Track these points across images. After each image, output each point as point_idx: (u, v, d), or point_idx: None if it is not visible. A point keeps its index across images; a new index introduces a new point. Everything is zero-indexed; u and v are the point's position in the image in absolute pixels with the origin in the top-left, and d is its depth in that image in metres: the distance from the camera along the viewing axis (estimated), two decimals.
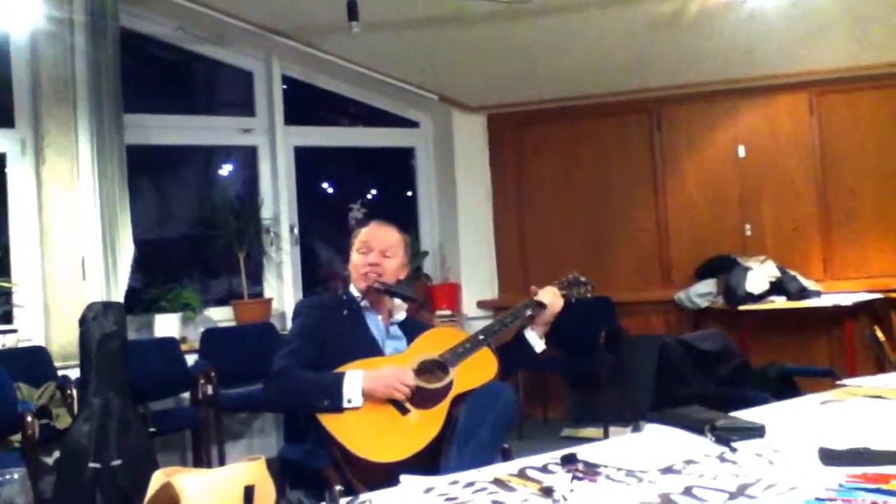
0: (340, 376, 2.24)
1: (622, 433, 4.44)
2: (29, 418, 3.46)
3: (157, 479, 1.38)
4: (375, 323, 2.57)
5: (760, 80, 5.27)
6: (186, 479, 1.35)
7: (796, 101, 5.28)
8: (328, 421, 2.19)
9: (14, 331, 4.31)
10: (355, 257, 2.59)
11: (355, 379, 2.23)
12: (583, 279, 2.68)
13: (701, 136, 5.51)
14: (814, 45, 4.88)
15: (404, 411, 2.23)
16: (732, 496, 1.49)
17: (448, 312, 5.56)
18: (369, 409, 2.22)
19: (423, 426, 2.21)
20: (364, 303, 2.56)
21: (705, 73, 5.25)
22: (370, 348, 2.46)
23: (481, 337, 2.43)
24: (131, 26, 4.79)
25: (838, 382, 2.59)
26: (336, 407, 2.19)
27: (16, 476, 1.28)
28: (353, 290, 2.60)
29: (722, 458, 1.75)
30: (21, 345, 4.25)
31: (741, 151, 5.38)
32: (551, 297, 2.53)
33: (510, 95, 5.70)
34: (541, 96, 5.66)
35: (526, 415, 5.38)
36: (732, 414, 2.07)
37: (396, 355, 2.46)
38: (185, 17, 4.91)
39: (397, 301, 2.62)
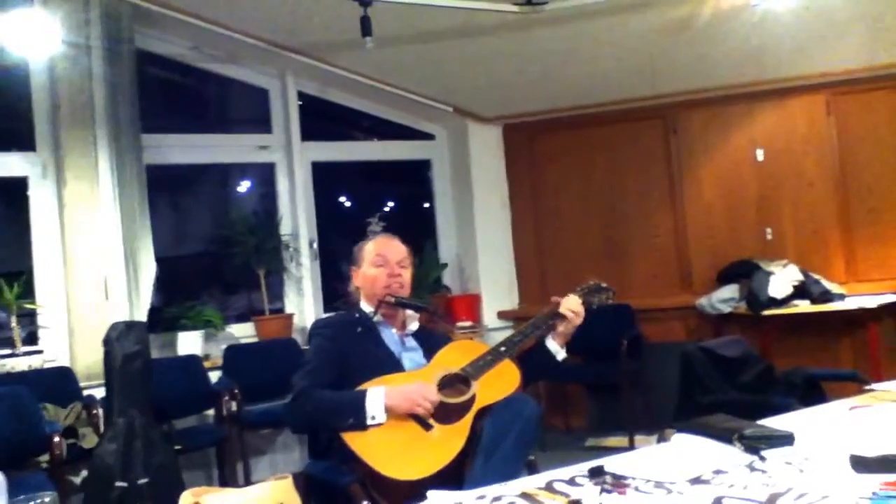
0: (362, 394, 2.24)
1: (647, 442, 4.42)
2: (56, 439, 3.49)
3: (185, 500, 1.39)
4: (391, 336, 2.58)
5: (775, 83, 5.25)
6: (215, 500, 1.36)
7: (812, 102, 5.24)
8: (351, 439, 2.19)
9: (39, 352, 4.35)
10: (372, 271, 2.59)
11: (378, 395, 2.23)
12: (604, 285, 2.67)
13: (717, 141, 5.49)
14: (828, 46, 4.85)
15: (427, 427, 2.23)
16: None
17: (468, 324, 5.55)
18: (392, 427, 2.22)
19: (447, 441, 2.20)
20: (377, 318, 2.57)
21: (719, 77, 5.23)
22: (388, 362, 2.46)
23: (503, 349, 2.43)
24: (146, 48, 4.84)
25: (866, 387, 2.55)
26: (360, 424, 2.19)
27: (47, 500, 1.29)
28: (364, 307, 2.61)
29: (751, 468, 1.73)
30: (47, 366, 4.29)
31: (759, 155, 5.35)
32: (574, 307, 2.52)
33: (524, 105, 5.71)
34: (555, 105, 5.66)
35: (548, 425, 5.35)
36: (760, 422, 2.05)
37: (417, 370, 2.46)
38: (200, 36, 4.95)
39: (409, 312, 2.63)
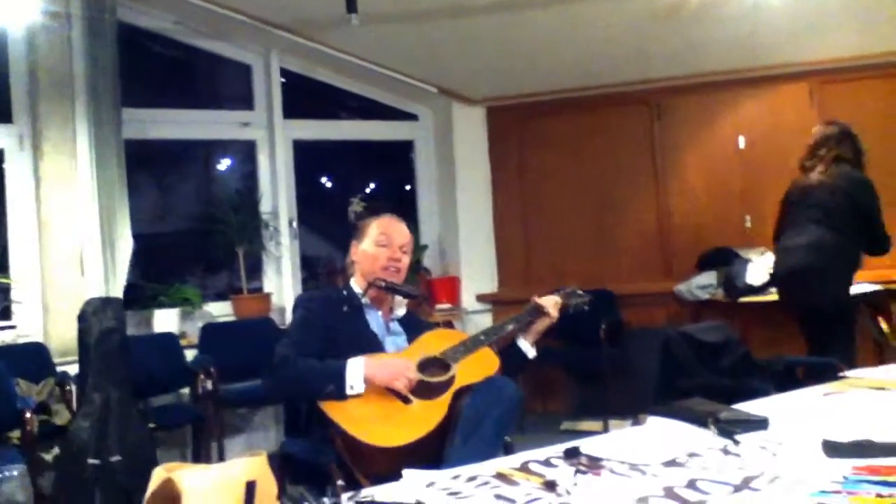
0: (343, 364, 2.25)
1: (622, 426, 4.44)
2: (28, 415, 3.45)
3: (157, 476, 1.37)
4: (376, 319, 2.56)
5: (761, 71, 5.24)
6: (187, 475, 1.34)
7: (797, 91, 5.25)
8: (331, 409, 2.19)
9: (13, 327, 4.31)
10: (373, 249, 2.56)
11: (357, 366, 2.24)
12: (580, 292, 2.70)
13: (702, 128, 5.49)
14: (816, 35, 4.85)
15: (407, 401, 2.24)
16: (737, 489, 1.48)
17: (448, 306, 5.55)
18: (373, 399, 2.23)
19: (426, 414, 2.22)
20: (365, 299, 2.55)
21: (706, 63, 5.22)
22: (370, 344, 2.46)
23: (482, 337, 2.45)
24: (129, 20, 4.77)
25: (840, 374, 2.58)
26: (340, 392, 2.19)
27: (15, 473, 1.27)
28: (354, 285, 2.59)
29: (725, 451, 1.74)
30: (20, 341, 4.25)
31: (742, 143, 5.36)
32: (552, 307, 2.54)
33: (510, 87, 5.68)
34: (541, 88, 5.64)
35: (527, 409, 5.36)
36: (735, 406, 2.06)
37: (397, 352, 2.45)
38: (183, 10, 4.88)
39: (398, 297, 2.62)
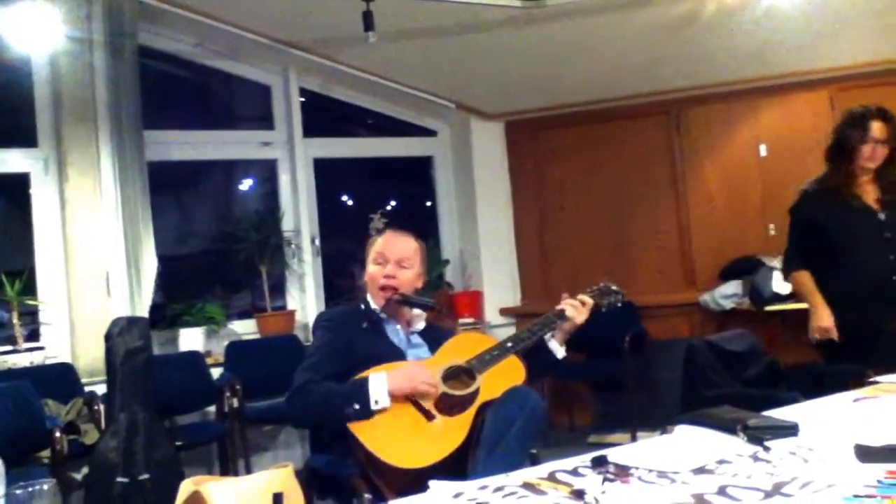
0: (364, 380, 2.22)
1: (650, 438, 4.40)
2: (57, 434, 3.47)
3: (185, 488, 1.38)
4: (396, 333, 2.56)
5: (779, 79, 5.22)
6: (215, 488, 1.35)
7: (816, 98, 5.22)
8: (355, 427, 2.18)
9: (41, 348, 4.35)
10: (371, 268, 2.58)
11: (380, 380, 2.22)
12: (614, 288, 2.66)
13: (721, 137, 5.47)
14: (833, 41, 4.82)
15: (430, 417, 2.22)
16: (768, 495, 1.46)
17: (470, 320, 5.55)
18: (396, 416, 2.21)
19: (449, 432, 2.19)
20: (383, 314, 2.55)
21: (723, 73, 5.21)
22: (393, 358, 2.44)
23: (509, 344, 2.41)
24: (149, 44, 4.84)
25: (870, 379, 2.54)
26: (366, 410, 2.17)
27: (45, 487, 1.28)
28: (371, 302, 2.59)
29: (755, 458, 1.72)
30: (48, 362, 4.29)
31: (762, 151, 5.33)
32: (579, 309, 2.51)
33: (527, 101, 5.69)
34: (558, 101, 5.65)
35: (552, 422, 5.34)
36: (764, 413, 2.04)
37: (423, 360, 2.45)
38: (202, 33, 4.95)
39: (416, 310, 2.61)
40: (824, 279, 3.25)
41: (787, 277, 3.48)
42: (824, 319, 3.16)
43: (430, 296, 5.18)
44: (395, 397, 2.21)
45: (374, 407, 2.18)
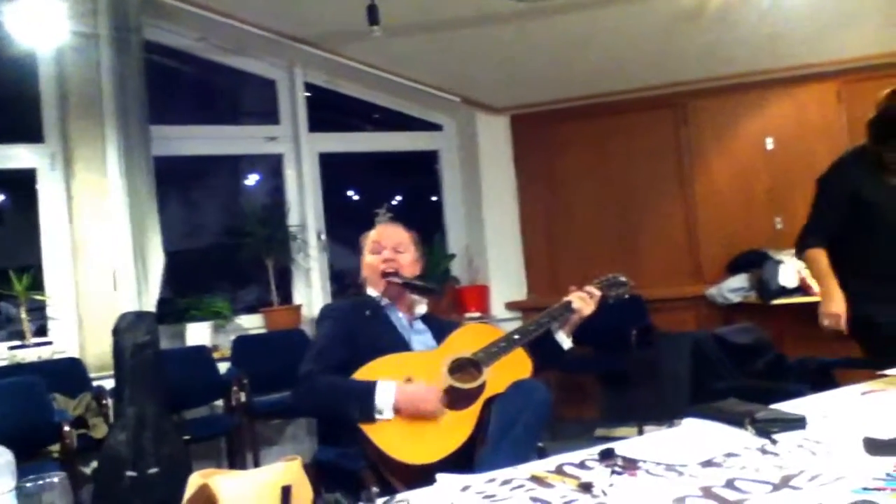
0: (371, 387, 2.21)
1: (657, 431, 4.40)
2: (66, 428, 3.50)
3: (194, 482, 1.38)
4: (398, 319, 2.58)
5: (787, 72, 5.20)
6: (223, 481, 1.35)
7: (824, 90, 5.20)
8: (362, 423, 2.19)
9: (49, 343, 4.36)
10: (369, 258, 2.63)
11: (388, 392, 2.20)
12: (622, 279, 2.65)
13: (728, 130, 5.45)
14: (840, 33, 4.80)
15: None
16: (776, 488, 1.46)
17: (477, 315, 5.55)
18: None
19: (456, 428, 2.19)
20: (384, 301, 2.56)
21: (731, 65, 5.19)
22: (397, 343, 2.46)
23: (516, 337, 2.40)
24: (155, 39, 4.84)
25: (878, 372, 2.53)
26: (367, 417, 2.17)
27: (56, 480, 1.28)
28: (371, 293, 2.61)
29: (763, 451, 1.72)
30: (56, 356, 4.30)
31: (769, 144, 5.31)
32: (587, 301, 2.50)
33: (533, 95, 5.68)
34: (564, 95, 5.63)
35: (559, 415, 5.33)
36: (772, 406, 2.03)
37: (428, 351, 2.45)
38: (208, 27, 4.95)
39: (416, 297, 2.62)
40: (852, 258, 3.03)
41: (800, 253, 3.19)
42: (836, 305, 3.00)
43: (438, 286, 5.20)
44: (398, 412, 2.20)
45: (376, 416, 2.17)
